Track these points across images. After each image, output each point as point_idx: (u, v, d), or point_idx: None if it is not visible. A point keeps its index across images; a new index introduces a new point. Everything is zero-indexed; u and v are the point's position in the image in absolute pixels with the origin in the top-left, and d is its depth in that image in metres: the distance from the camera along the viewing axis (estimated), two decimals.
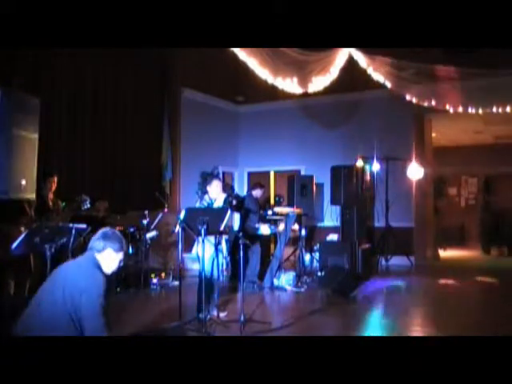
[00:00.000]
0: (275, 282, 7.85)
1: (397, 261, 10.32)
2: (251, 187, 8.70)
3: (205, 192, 6.05)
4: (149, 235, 7.73)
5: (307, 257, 9.35)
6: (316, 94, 7.32)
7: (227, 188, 7.88)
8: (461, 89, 8.13)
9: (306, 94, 7.06)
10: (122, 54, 7.92)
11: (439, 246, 12.56)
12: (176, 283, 7.47)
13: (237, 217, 7.38)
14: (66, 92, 7.54)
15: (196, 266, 7.08)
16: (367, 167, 9.98)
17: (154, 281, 7.75)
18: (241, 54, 5.59)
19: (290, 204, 8.77)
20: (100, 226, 7.15)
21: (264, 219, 8.11)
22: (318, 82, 6.71)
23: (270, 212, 8.31)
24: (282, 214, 8.18)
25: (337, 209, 9.76)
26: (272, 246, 8.89)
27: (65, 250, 4.89)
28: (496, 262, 11.57)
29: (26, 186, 4.71)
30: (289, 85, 6.42)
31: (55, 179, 6.14)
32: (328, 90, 7.20)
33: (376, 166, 10.30)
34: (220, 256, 5.80)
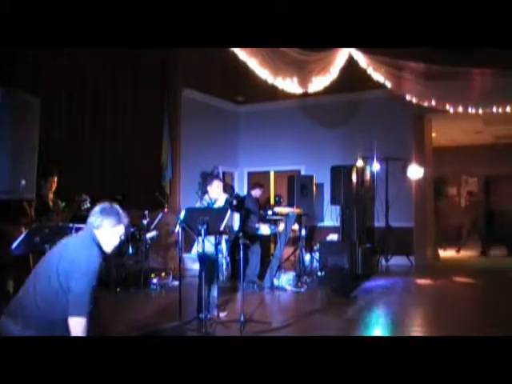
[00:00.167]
0: (275, 282, 7.85)
1: (397, 261, 10.32)
2: (250, 187, 8.71)
3: (205, 192, 6.05)
4: (149, 235, 7.73)
5: (307, 257, 9.35)
6: (316, 94, 7.32)
7: (227, 188, 7.87)
8: (461, 89, 8.13)
9: (305, 94, 7.06)
10: (122, 54, 7.92)
11: (439, 246, 12.56)
12: (176, 283, 7.47)
13: (237, 217, 7.39)
14: (66, 92, 7.54)
15: (196, 266, 7.08)
16: (367, 167, 9.98)
17: (154, 281, 7.76)
18: (241, 54, 5.59)
19: (290, 204, 8.77)
20: None
21: (264, 219, 8.11)
22: (318, 82, 6.71)
23: (269, 212, 8.31)
24: (281, 214, 8.18)
25: (337, 209, 9.77)
26: (272, 246, 8.89)
27: None
28: (494, 262, 11.57)
29: (26, 185, 4.70)
30: (289, 85, 6.41)
31: (55, 179, 6.14)
32: (328, 90, 7.20)
33: (376, 166, 10.31)
34: (220, 256, 5.80)
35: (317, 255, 9.25)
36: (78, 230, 4.69)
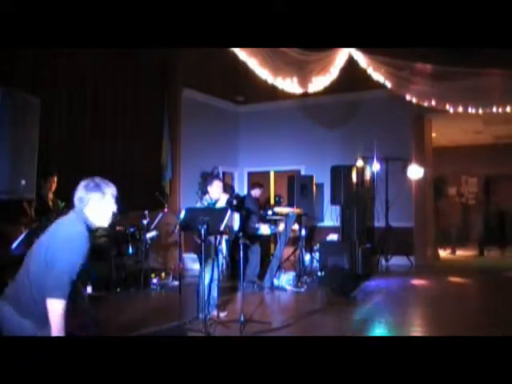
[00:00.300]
0: (275, 282, 7.85)
1: (397, 261, 10.33)
2: (250, 187, 8.71)
3: (205, 192, 6.05)
4: (149, 235, 7.73)
5: (307, 257, 9.35)
6: (316, 94, 7.32)
7: (227, 188, 7.88)
8: (461, 89, 8.13)
9: (305, 94, 7.06)
10: (122, 54, 7.91)
11: (440, 247, 12.56)
12: (176, 283, 7.47)
13: (237, 217, 7.39)
14: (66, 92, 7.53)
15: (196, 266, 7.08)
16: (367, 167, 9.99)
17: (154, 281, 7.75)
18: (241, 54, 5.59)
19: (290, 204, 8.77)
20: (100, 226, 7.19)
21: (264, 219, 8.11)
22: (318, 82, 6.71)
23: (270, 212, 8.31)
24: (281, 214, 8.18)
25: (337, 209, 9.77)
26: (272, 246, 8.90)
27: None
28: (494, 262, 11.57)
29: (26, 185, 4.71)
30: (289, 85, 6.41)
31: (55, 179, 6.14)
32: (328, 90, 7.20)
33: (376, 166, 10.31)
34: (220, 256, 5.81)
35: (317, 255, 9.25)
36: None
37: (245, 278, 6.99)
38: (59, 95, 7.39)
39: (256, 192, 8.27)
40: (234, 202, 5.96)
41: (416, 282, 8.67)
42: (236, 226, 7.67)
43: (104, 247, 7.14)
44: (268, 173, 13.08)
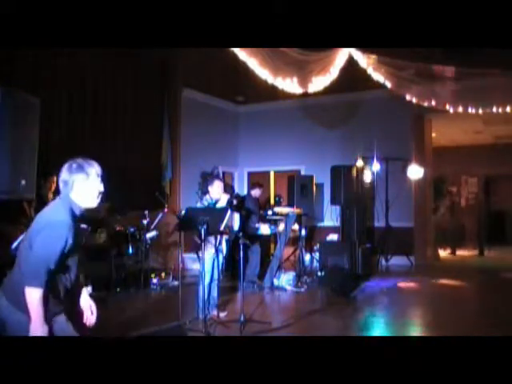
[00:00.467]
0: (275, 282, 7.85)
1: (397, 261, 10.33)
2: (250, 187, 8.71)
3: (205, 192, 6.05)
4: (149, 235, 7.73)
5: (307, 257, 9.35)
6: (316, 94, 7.32)
7: (227, 188, 7.89)
8: (461, 89, 8.13)
9: (305, 94, 7.06)
10: (122, 54, 7.92)
11: (440, 247, 12.56)
12: (176, 283, 7.47)
13: (237, 217, 7.39)
14: (66, 92, 7.54)
15: (196, 266, 7.09)
16: (367, 167, 9.99)
17: (154, 281, 7.76)
18: (241, 54, 5.59)
19: (290, 204, 8.77)
20: (100, 226, 7.20)
21: (264, 219, 8.11)
22: (318, 82, 6.71)
23: (270, 212, 8.32)
24: (281, 214, 8.19)
25: (337, 209, 9.77)
26: (272, 246, 8.90)
27: None
28: (494, 263, 11.57)
29: (26, 185, 4.71)
30: (289, 85, 6.41)
31: (54, 179, 6.13)
32: (328, 90, 7.20)
33: (376, 166, 10.31)
34: (220, 256, 5.81)
35: (317, 255, 9.25)
36: None
37: (245, 278, 6.99)
38: (59, 95, 7.39)
39: (256, 192, 8.28)
40: (235, 202, 5.97)
41: (416, 281, 8.67)
42: (236, 226, 7.66)
43: (104, 247, 7.15)
44: (268, 173, 13.09)
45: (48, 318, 2.56)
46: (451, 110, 8.22)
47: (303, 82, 6.54)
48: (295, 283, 7.87)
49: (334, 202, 9.31)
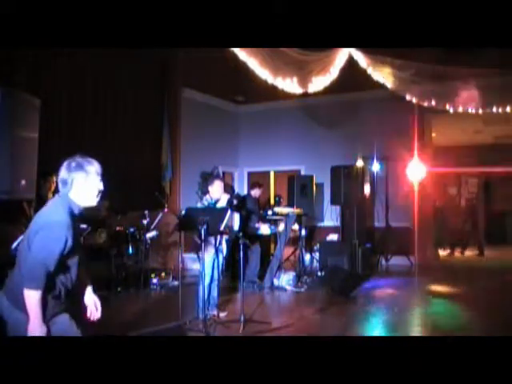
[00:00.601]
0: (275, 282, 7.85)
1: (397, 261, 10.32)
2: (250, 187, 8.71)
3: (205, 192, 6.05)
4: (149, 235, 7.73)
5: (307, 257, 9.35)
6: (316, 94, 7.32)
7: (227, 188, 7.89)
8: (461, 89, 8.13)
9: (305, 94, 7.06)
10: (122, 54, 7.92)
11: (440, 247, 12.55)
12: (176, 283, 7.47)
13: (237, 217, 7.39)
14: (66, 92, 7.54)
15: (196, 266, 7.09)
16: (367, 167, 9.98)
17: (154, 281, 7.76)
18: (241, 54, 5.59)
19: (290, 204, 8.77)
20: (100, 226, 7.20)
21: (264, 219, 8.12)
22: (318, 82, 6.71)
23: (269, 212, 8.32)
24: (281, 214, 8.19)
25: (337, 209, 9.77)
26: (272, 246, 8.90)
27: None
28: (494, 263, 11.56)
29: (26, 185, 4.71)
30: (289, 85, 6.41)
31: (54, 179, 6.14)
32: (328, 90, 7.19)
33: (376, 166, 10.31)
34: (220, 256, 5.81)
35: (317, 255, 9.25)
36: None
37: (245, 278, 6.99)
38: (59, 95, 7.39)
39: (256, 192, 8.28)
40: (235, 202, 5.97)
41: (416, 281, 8.66)
42: (236, 226, 7.67)
43: (104, 247, 7.15)
44: (268, 173, 13.09)
45: (47, 319, 2.55)
46: (451, 110, 8.22)
47: (303, 81, 6.54)
48: (295, 283, 7.87)
49: (333, 202, 9.31)
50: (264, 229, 7.87)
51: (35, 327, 2.46)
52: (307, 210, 8.69)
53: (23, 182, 4.63)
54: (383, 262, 10.36)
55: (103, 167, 2.83)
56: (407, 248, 10.37)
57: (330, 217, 10.37)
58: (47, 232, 2.50)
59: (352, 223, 9.04)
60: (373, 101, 10.67)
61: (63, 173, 2.66)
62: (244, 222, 7.61)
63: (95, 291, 2.92)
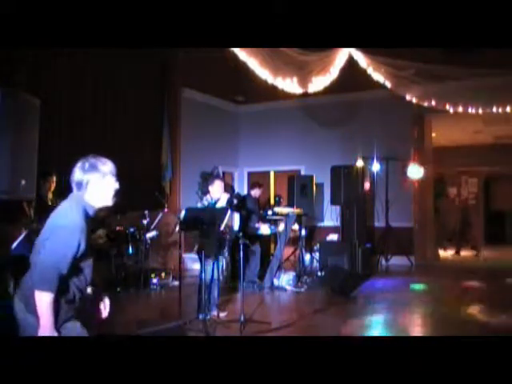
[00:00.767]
0: (275, 282, 7.85)
1: (397, 261, 10.32)
2: (250, 187, 8.71)
3: (205, 192, 6.05)
4: (149, 235, 7.73)
5: (307, 257, 9.35)
6: (316, 94, 7.32)
7: (227, 188, 7.89)
8: (461, 89, 8.14)
9: (306, 94, 7.06)
10: (122, 54, 7.92)
11: (440, 247, 12.56)
12: (176, 283, 7.47)
13: (237, 217, 7.39)
14: (66, 92, 7.54)
15: (196, 266, 7.09)
16: (367, 167, 9.99)
17: (154, 281, 7.76)
18: (241, 54, 5.59)
19: (290, 204, 8.77)
20: (100, 226, 7.19)
21: (264, 219, 8.12)
22: (318, 82, 6.71)
23: (269, 212, 8.32)
24: (281, 214, 8.19)
25: (337, 209, 9.77)
26: (272, 246, 8.90)
27: None
28: (494, 263, 11.56)
29: (26, 185, 4.70)
30: (289, 85, 6.41)
31: (54, 179, 6.14)
32: (328, 90, 7.20)
33: (376, 166, 10.31)
34: (220, 256, 5.81)
35: (317, 255, 9.25)
36: None
37: (245, 278, 6.99)
38: (59, 95, 7.39)
39: (256, 192, 8.28)
40: (235, 202, 5.97)
41: (416, 281, 8.65)
42: (236, 225, 7.66)
43: (104, 247, 7.15)
44: (268, 173, 13.09)
45: (59, 324, 2.50)
46: (451, 110, 8.22)
47: (303, 81, 6.54)
48: (295, 283, 7.87)
49: (333, 202, 9.31)
50: (264, 229, 7.87)
51: (45, 332, 2.40)
52: (307, 210, 8.70)
53: (23, 182, 4.62)
54: (383, 261, 10.36)
55: None
56: (407, 248, 10.38)
57: (330, 217, 10.37)
58: (60, 235, 2.45)
59: (352, 223, 9.04)
60: (373, 101, 10.68)
61: (77, 174, 2.61)
62: (244, 222, 7.60)
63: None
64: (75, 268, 2.52)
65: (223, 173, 11.36)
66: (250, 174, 12.51)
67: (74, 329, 2.63)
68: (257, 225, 7.84)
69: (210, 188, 5.83)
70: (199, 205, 5.84)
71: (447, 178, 15.42)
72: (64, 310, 2.53)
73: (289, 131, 11.81)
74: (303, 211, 8.50)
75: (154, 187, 8.82)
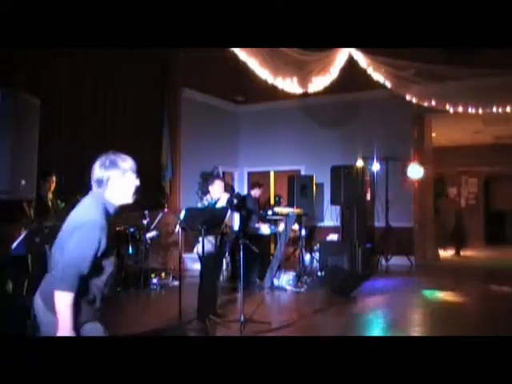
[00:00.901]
0: (275, 282, 7.85)
1: (397, 261, 10.32)
2: (250, 187, 8.71)
3: (205, 192, 6.05)
4: (149, 235, 7.73)
5: (307, 257, 9.35)
6: (316, 94, 7.32)
7: (228, 188, 7.89)
8: (461, 89, 8.14)
9: (306, 94, 7.06)
10: (122, 54, 7.92)
11: (440, 247, 12.56)
12: (176, 283, 7.47)
13: (237, 217, 7.39)
14: (66, 92, 7.54)
15: (196, 266, 7.08)
16: (367, 167, 9.99)
17: (154, 281, 7.76)
18: (241, 54, 5.59)
19: (290, 204, 8.77)
20: None
21: (264, 219, 8.12)
22: (318, 82, 6.71)
23: (269, 212, 8.32)
24: (281, 214, 8.19)
25: (337, 209, 9.77)
26: (272, 246, 8.90)
27: None
28: (493, 263, 11.56)
29: (26, 185, 4.70)
30: (289, 85, 6.42)
31: (53, 179, 6.14)
32: (328, 90, 7.20)
33: (376, 166, 10.31)
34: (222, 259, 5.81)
35: (317, 255, 9.25)
36: None
37: (245, 278, 6.98)
38: (59, 95, 7.39)
39: (256, 192, 8.28)
40: (235, 202, 5.97)
41: (416, 281, 8.65)
42: (236, 225, 7.66)
43: None
44: (268, 173, 13.09)
45: (79, 325, 2.44)
46: (451, 110, 8.22)
47: (303, 81, 6.54)
48: (295, 283, 7.87)
49: (333, 202, 9.31)
50: (264, 229, 7.87)
51: (64, 333, 2.35)
52: (307, 210, 8.69)
53: (23, 182, 4.62)
54: (383, 261, 10.36)
55: None
56: (407, 248, 10.38)
57: (330, 217, 10.37)
58: (81, 233, 2.38)
59: (352, 223, 9.04)
60: (373, 101, 10.68)
61: (98, 171, 2.57)
62: (244, 221, 7.61)
63: None
64: (96, 267, 2.46)
65: (223, 173, 11.36)
66: (249, 174, 12.51)
67: (94, 330, 2.57)
68: (257, 225, 7.84)
69: (210, 188, 5.83)
70: (199, 205, 5.84)
71: (447, 178, 15.42)
72: (84, 311, 2.47)
73: (289, 131, 11.81)
74: (303, 211, 8.50)
75: (154, 187, 8.82)
